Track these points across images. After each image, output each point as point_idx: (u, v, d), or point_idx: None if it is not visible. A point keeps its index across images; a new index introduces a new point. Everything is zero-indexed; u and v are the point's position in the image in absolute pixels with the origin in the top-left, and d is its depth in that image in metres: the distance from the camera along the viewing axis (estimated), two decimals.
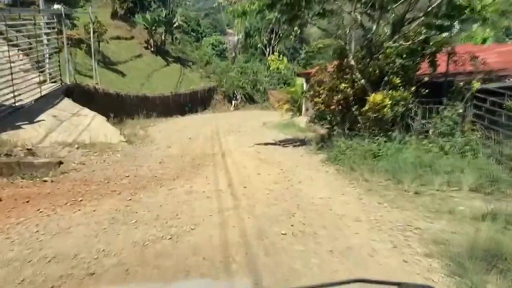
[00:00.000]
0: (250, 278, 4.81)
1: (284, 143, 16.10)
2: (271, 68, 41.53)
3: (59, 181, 9.15)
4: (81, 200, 7.67)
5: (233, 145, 15.71)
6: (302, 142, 15.66)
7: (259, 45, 44.17)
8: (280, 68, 40.68)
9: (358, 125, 13.13)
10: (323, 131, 16.26)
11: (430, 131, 11.47)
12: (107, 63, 29.70)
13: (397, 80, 11.81)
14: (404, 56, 11.86)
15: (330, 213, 7.26)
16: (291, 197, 8.30)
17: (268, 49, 46.07)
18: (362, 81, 12.37)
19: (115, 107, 23.17)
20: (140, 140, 16.06)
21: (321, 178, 10.04)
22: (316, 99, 18.77)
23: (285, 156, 13.02)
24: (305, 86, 25.11)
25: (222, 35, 48.82)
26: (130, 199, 7.88)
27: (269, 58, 43.77)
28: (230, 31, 50.66)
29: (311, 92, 19.11)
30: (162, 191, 8.66)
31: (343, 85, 13.10)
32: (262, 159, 12.52)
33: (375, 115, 10.96)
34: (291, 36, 31.78)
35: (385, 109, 10.64)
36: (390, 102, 10.69)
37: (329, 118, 14.99)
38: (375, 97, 10.80)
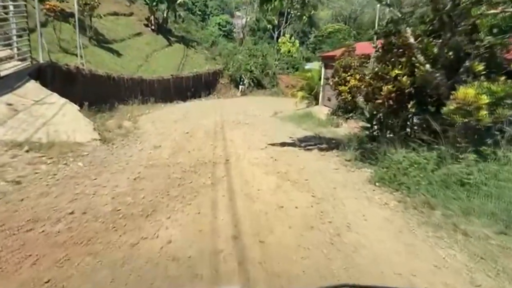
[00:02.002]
0: None
1: (305, 143, 12.11)
2: (281, 51, 37.77)
3: None
4: None
5: (240, 145, 11.76)
6: (330, 144, 11.65)
7: (269, 26, 39.81)
8: (292, 51, 36.92)
9: (415, 129, 9.17)
10: (355, 129, 12.24)
11: None
12: (100, 41, 25.58)
13: (480, 67, 7.72)
14: (495, 31, 7.79)
15: None
16: (345, 269, 4.41)
17: (276, 33, 41.86)
18: (427, 66, 8.29)
19: (105, 92, 19.32)
20: (122, 137, 12.11)
21: (380, 218, 6.08)
22: (342, 88, 14.76)
23: (312, 167, 9.07)
24: (323, 71, 20.97)
25: (230, 17, 44.43)
26: None
27: (280, 40, 39.76)
28: (238, 13, 46.22)
29: (335, 79, 15.13)
30: (115, 253, 4.74)
31: (395, 72, 9.03)
32: (282, 173, 8.58)
33: (464, 119, 6.85)
34: (304, 17, 26.03)
35: (482, 112, 6.55)
36: (488, 101, 6.59)
37: (366, 114, 10.97)
38: (466, 93, 6.67)
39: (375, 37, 12.28)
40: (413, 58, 8.68)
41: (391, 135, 9.19)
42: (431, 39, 8.71)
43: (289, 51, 37.26)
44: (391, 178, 7.39)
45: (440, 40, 8.27)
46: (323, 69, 20.86)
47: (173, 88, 26.56)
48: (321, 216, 6.08)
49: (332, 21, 47.51)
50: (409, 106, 8.93)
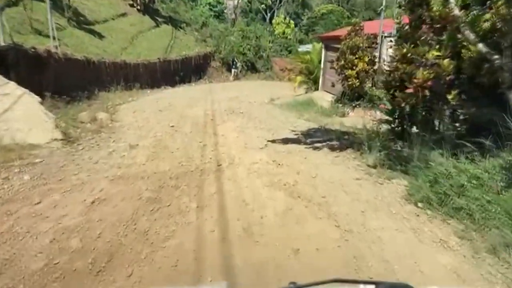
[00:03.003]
0: None
1: (312, 139, 10.00)
2: (276, 33, 35.29)
3: None
4: None
5: (235, 142, 9.64)
6: (343, 141, 9.54)
7: (263, 6, 37.22)
8: (287, 33, 34.47)
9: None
10: (371, 121, 10.16)
11: None
12: (81, 22, 23.03)
13: None
14: None
15: None
16: None
17: (269, 14, 39.32)
18: (480, 46, 6.15)
19: (83, 78, 17.03)
20: (93, 134, 9.94)
21: (444, 272, 4.02)
22: (349, 72, 12.70)
23: (327, 176, 6.98)
24: (323, 54, 18.75)
25: None
26: None
27: (274, 21, 37.17)
28: None
29: (341, 62, 13.02)
30: None
31: (433, 53, 6.88)
32: (289, 185, 6.49)
33: None
34: None
35: None
36: None
37: (385, 104, 8.88)
38: None
39: (396, 11, 10.09)
40: (459, 36, 6.53)
41: (423, 133, 7.08)
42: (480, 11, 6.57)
43: (283, 33, 34.80)
44: (441, 198, 5.33)
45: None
46: (323, 51, 18.62)
47: (161, 73, 24.18)
48: (356, 267, 4.03)
49: (325, 2, 45.14)
50: (450, 97, 6.82)
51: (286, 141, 9.74)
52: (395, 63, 7.69)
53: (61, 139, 8.57)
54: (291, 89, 20.18)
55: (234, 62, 29.60)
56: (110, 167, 7.32)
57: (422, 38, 7.53)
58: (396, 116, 8.44)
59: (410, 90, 7.26)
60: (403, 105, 7.57)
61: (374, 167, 7.22)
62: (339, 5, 43.63)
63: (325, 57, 18.44)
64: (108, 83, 18.90)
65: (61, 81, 14.94)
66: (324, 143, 9.42)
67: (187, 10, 33.67)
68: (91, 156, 7.96)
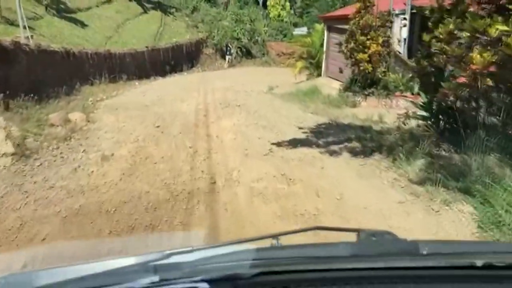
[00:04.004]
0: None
1: (324, 139, 8.09)
2: (271, 16, 33.03)
3: None
4: None
5: (232, 148, 7.74)
6: (364, 142, 7.58)
7: None
8: (282, 15, 32.24)
9: None
10: (390, 116, 8.24)
11: None
12: (61, 10, 20.87)
13: None
14: None
15: None
16: None
17: None
18: None
19: (62, 72, 14.99)
20: (60, 142, 8.01)
21: None
22: (360, 55, 10.73)
23: (357, 199, 5.08)
24: (326, 36, 16.71)
25: None
26: None
27: (268, 3, 34.87)
28: None
29: (351, 44, 11.05)
30: None
31: (496, 28, 4.92)
32: (310, 215, 4.60)
33: None
34: None
35: None
36: None
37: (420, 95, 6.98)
38: None
39: None
40: None
41: (484, 136, 5.18)
42: None
43: (279, 15, 32.55)
44: None
45: None
46: (326, 33, 16.56)
47: (149, 62, 22.07)
48: None
49: None
50: None
51: (294, 143, 7.83)
52: (438, 44, 5.73)
53: (12, 154, 6.64)
54: (290, 75, 18.14)
55: (228, 48, 27.44)
56: (68, 193, 5.41)
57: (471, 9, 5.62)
58: (434, 111, 6.54)
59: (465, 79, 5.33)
60: (451, 98, 5.64)
61: (420, 183, 5.31)
62: None
63: (328, 39, 16.41)
64: (91, 76, 16.85)
65: (34, 76, 12.95)
66: (341, 145, 7.51)
67: None
68: (48, 176, 6.05)
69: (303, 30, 35.12)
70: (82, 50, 17.45)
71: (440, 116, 6.34)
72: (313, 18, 36.60)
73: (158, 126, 9.65)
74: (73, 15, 21.22)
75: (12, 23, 16.11)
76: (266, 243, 1.27)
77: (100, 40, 20.69)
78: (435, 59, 6.11)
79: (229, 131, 9.16)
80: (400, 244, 1.17)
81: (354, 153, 6.98)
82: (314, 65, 17.44)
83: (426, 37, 6.63)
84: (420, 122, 7.34)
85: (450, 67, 6.47)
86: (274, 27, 32.68)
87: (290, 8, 34.83)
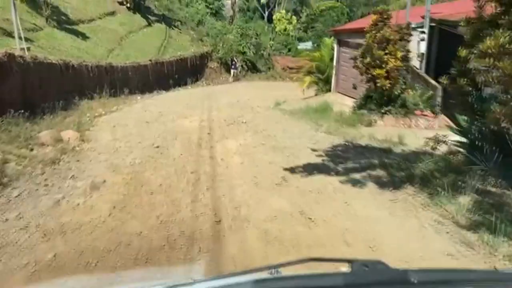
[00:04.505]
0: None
1: (343, 165, 7.10)
2: (277, 29, 32.29)
3: None
4: None
5: (240, 175, 6.75)
6: (391, 170, 6.56)
7: (262, 1, 34.20)
8: (288, 30, 31.49)
9: None
10: (413, 137, 7.25)
11: None
12: (62, 22, 20.13)
13: None
14: None
15: None
16: None
17: (266, 12, 36.46)
18: None
19: (60, 85, 14.16)
20: (46, 166, 7.04)
21: None
22: (377, 71, 9.80)
23: (394, 246, 4.08)
24: (336, 50, 15.81)
25: None
26: None
27: (274, 17, 34.10)
28: None
29: (367, 59, 10.13)
30: None
31: None
32: None
33: None
34: None
35: None
36: None
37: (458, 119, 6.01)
38: None
39: None
40: None
41: None
42: None
43: (285, 29, 31.79)
44: None
45: None
46: (336, 47, 15.67)
47: (153, 76, 21.23)
48: None
49: None
50: None
51: (309, 169, 6.84)
52: (487, 59, 4.76)
53: None
54: (297, 90, 17.22)
55: (233, 62, 26.61)
56: (43, 236, 4.43)
57: None
58: (476, 137, 5.55)
59: None
60: (504, 123, 4.65)
61: (471, 228, 4.29)
62: (338, 1, 41.13)
63: (339, 54, 15.52)
64: (91, 90, 15.93)
65: (29, 90, 12.13)
66: (364, 173, 6.51)
67: (181, 7, 30.64)
68: (24, 212, 5.07)
69: (307, 45, 34.65)
70: (82, 62, 16.60)
71: (484, 143, 5.33)
72: (318, 33, 36.09)
73: (157, 147, 8.69)
74: (74, 27, 20.48)
75: (10, 34, 15.33)
76: (265, 274, 1.25)
77: (102, 53, 19.90)
78: (477, 77, 5.15)
79: (235, 153, 8.20)
80: (391, 273, 1.21)
81: (380, 184, 5.97)
82: (323, 80, 16.50)
83: (462, 52, 5.68)
84: (454, 147, 6.36)
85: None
86: (279, 41, 31.99)
87: (297, 22, 34.16)
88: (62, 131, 9.64)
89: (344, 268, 1.22)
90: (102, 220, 4.99)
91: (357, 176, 6.38)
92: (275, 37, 31.43)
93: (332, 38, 16.55)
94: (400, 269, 1.18)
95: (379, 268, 1.22)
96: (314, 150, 8.27)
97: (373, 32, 10.66)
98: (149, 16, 26.95)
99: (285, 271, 1.23)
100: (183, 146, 8.92)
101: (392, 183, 5.91)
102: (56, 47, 17.05)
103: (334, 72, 15.79)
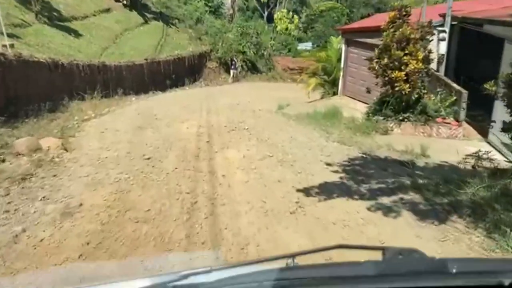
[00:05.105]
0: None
1: (366, 184, 5.92)
2: (278, 29, 31.06)
3: None
4: None
5: (244, 197, 5.55)
6: (426, 196, 5.36)
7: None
8: (290, 29, 30.28)
9: None
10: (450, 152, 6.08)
11: None
12: (53, 18, 18.86)
13: None
14: None
15: None
16: None
17: (266, 12, 35.33)
18: None
19: (48, 85, 13.02)
20: (12, 183, 5.84)
21: None
22: (396, 74, 8.64)
23: None
24: (344, 50, 14.62)
25: None
26: None
27: (275, 16, 32.85)
28: None
29: (384, 60, 8.96)
30: None
31: None
32: None
33: None
34: None
35: None
36: None
37: None
38: None
39: None
40: None
41: None
42: None
43: (286, 29, 30.59)
44: None
45: None
46: (344, 47, 14.46)
47: (149, 76, 19.98)
48: None
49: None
50: None
51: (327, 190, 5.66)
52: None
53: None
54: (300, 92, 16.02)
55: (233, 62, 25.37)
56: None
57: None
58: None
59: None
60: None
61: None
62: (338, 2, 40.19)
63: (347, 54, 14.32)
64: (82, 90, 14.70)
65: (12, 91, 11.00)
66: (395, 197, 5.33)
67: (179, 5, 29.26)
68: None
69: (307, 45, 33.63)
70: (73, 61, 15.36)
71: None
72: (318, 33, 35.09)
73: (148, 158, 7.50)
74: (66, 24, 19.21)
75: None
76: (283, 263, 1.18)
77: (95, 51, 18.63)
78: None
79: (238, 168, 7.00)
80: (428, 262, 1.14)
81: (419, 213, 4.77)
82: (329, 82, 15.31)
83: None
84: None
85: None
86: (279, 41, 30.83)
87: (298, 21, 33.05)
88: (41, 139, 8.44)
89: (377, 256, 1.12)
90: (69, 263, 3.80)
91: (386, 201, 5.20)
92: (276, 36, 30.19)
93: (340, 37, 15.35)
94: (437, 258, 1.11)
95: (414, 257, 1.17)
96: (328, 164, 7.09)
97: (391, 30, 9.49)
98: (146, 14, 25.67)
99: (314, 260, 1.18)
100: (178, 157, 7.72)
101: (434, 213, 4.73)
102: (45, 45, 15.79)
103: (341, 74, 14.60)
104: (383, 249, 1.17)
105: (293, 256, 1.19)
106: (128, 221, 4.87)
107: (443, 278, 0.99)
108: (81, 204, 5.28)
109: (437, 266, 1.05)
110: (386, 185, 5.87)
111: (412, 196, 5.33)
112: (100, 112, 13.11)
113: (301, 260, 1.14)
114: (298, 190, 5.66)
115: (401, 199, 5.23)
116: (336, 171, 6.68)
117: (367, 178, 6.28)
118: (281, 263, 1.15)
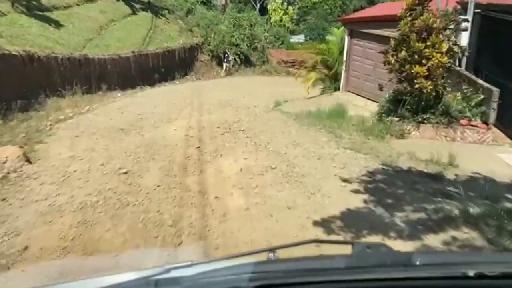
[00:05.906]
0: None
1: (400, 213, 4.53)
2: (272, 20, 29.47)
3: None
4: None
5: (245, 234, 4.14)
6: (485, 233, 4.00)
7: None
8: (284, 20, 28.72)
9: None
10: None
11: None
12: (32, 8, 17.13)
13: None
14: None
15: None
16: None
17: (258, 4, 33.77)
18: None
19: (22, 81, 11.50)
20: None
21: None
22: (417, 68, 7.20)
23: None
24: (347, 42, 13.15)
25: None
26: None
27: (269, 6, 31.26)
28: None
29: (402, 53, 7.53)
30: None
31: None
32: None
33: None
34: None
35: None
36: None
37: None
38: None
39: None
40: None
41: None
42: None
43: (281, 20, 29.04)
44: None
45: None
46: (347, 39, 12.97)
47: (136, 70, 18.36)
48: None
49: None
50: None
51: (352, 222, 4.28)
52: None
53: None
54: (297, 87, 14.54)
55: (226, 55, 23.78)
56: None
57: None
58: None
59: None
60: None
61: None
62: None
63: (350, 46, 12.86)
64: (62, 86, 13.11)
65: None
66: (443, 234, 3.95)
67: None
68: None
69: (300, 38, 32.25)
70: (51, 54, 13.73)
71: None
72: (311, 26, 33.70)
73: (125, 172, 6.03)
74: (46, 14, 17.49)
75: None
76: (264, 257, 1.23)
77: (78, 42, 16.94)
78: None
79: (235, 186, 5.57)
80: (395, 255, 1.21)
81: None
82: (330, 77, 13.86)
83: None
84: None
85: None
86: (271, 34, 29.30)
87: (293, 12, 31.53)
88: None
89: (347, 250, 1.17)
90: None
91: (435, 242, 3.80)
92: (270, 28, 28.61)
93: (342, 28, 13.88)
94: (403, 252, 1.20)
95: (381, 251, 1.22)
96: (345, 180, 5.68)
97: (409, 18, 8.04)
98: (134, 4, 23.90)
99: (287, 254, 1.20)
100: (162, 169, 6.26)
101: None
102: (20, 36, 14.08)
103: (344, 68, 13.14)
104: (352, 244, 1.20)
105: (273, 250, 1.24)
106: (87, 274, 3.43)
107: (409, 270, 1.01)
108: (26, 248, 3.83)
109: (403, 259, 1.08)
110: (426, 213, 4.48)
111: (466, 233, 3.95)
112: (79, 110, 11.59)
113: (282, 254, 1.18)
114: (315, 224, 4.26)
115: (454, 239, 3.85)
116: (357, 191, 5.28)
117: (397, 201, 4.89)
118: (263, 257, 1.18)
